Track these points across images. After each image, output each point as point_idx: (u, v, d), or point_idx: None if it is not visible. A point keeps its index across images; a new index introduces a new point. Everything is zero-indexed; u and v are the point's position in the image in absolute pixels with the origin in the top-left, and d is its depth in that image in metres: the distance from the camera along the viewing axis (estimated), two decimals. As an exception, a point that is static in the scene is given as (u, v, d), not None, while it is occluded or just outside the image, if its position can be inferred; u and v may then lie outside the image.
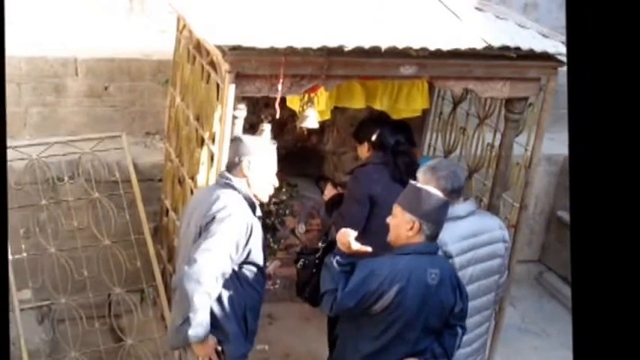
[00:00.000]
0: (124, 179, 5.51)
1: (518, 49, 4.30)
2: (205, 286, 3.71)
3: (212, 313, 3.84)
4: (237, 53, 3.93)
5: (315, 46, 3.89)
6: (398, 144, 4.73)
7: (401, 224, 3.77)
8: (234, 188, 3.89)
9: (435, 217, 3.73)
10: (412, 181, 3.89)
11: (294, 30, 3.97)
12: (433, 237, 3.77)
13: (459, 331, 3.92)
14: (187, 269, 3.71)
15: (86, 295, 5.22)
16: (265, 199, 4.11)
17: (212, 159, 4.37)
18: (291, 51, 3.88)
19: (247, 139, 3.96)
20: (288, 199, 5.95)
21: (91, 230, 5.33)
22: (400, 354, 3.78)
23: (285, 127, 5.79)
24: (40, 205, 5.34)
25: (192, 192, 4.67)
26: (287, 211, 5.96)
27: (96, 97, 5.91)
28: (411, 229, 3.73)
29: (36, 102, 5.79)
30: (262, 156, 3.96)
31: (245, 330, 4.00)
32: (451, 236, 4.03)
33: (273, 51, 3.85)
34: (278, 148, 5.96)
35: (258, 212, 4.00)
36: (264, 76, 4.05)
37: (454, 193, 4.09)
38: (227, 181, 3.92)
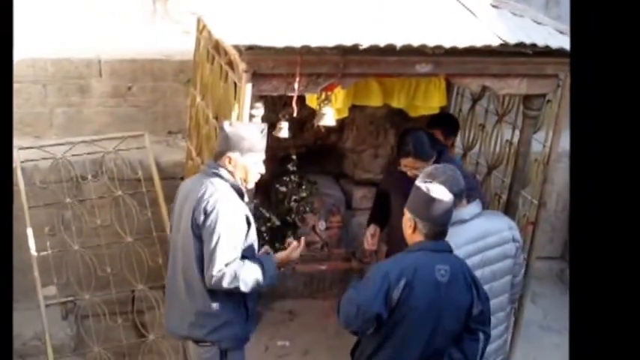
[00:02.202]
0: (146, 177, 5.58)
1: (534, 45, 4.27)
2: (226, 269, 3.81)
3: (210, 302, 3.95)
4: (253, 53, 3.95)
5: (330, 44, 3.89)
6: (442, 153, 4.68)
7: (405, 223, 3.78)
8: (222, 177, 3.96)
9: (426, 215, 3.65)
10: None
11: (310, 29, 3.98)
12: (432, 235, 3.69)
13: (481, 336, 3.78)
14: (209, 271, 3.81)
15: (109, 292, 5.30)
16: (252, 186, 4.14)
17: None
18: (306, 50, 3.89)
19: (232, 133, 3.94)
20: (308, 197, 5.97)
21: (114, 228, 5.40)
22: (412, 354, 3.69)
23: (304, 125, 5.81)
24: (65, 204, 5.43)
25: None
26: (307, 208, 5.98)
27: (119, 97, 5.98)
28: (410, 227, 3.73)
29: (61, 102, 5.87)
30: (252, 146, 3.98)
31: (246, 314, 4.09)
32: (456, 241, 3.91)
33: (289, 50, 3.87)
34: (298, 146, 6.10)
35: (246, 199, 4.07)
36: (281, 75, 4.07)
37: (455, 197, 3.94)
38: (214, 170, 3.96)
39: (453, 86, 5.59)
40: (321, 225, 6.09)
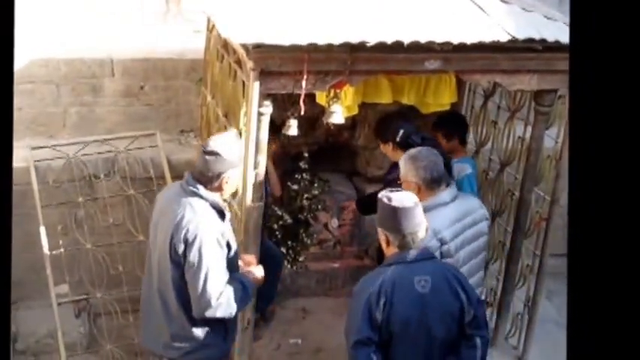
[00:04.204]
0: (158, 176, 5.61)
1: (544, 41, 4.25)
2: (221, 299, 3.73)
3: (189, 326, 3.84)
4: (260, 51, 3.95)
5: (337, 42, 3.90)
6: (424, 141, 4.71)
7: (380, 238, 3.71)
8: (202, 197, 3.79)
9: (393, 226, 3.56)
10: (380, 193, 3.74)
11: (317, 26, 3.99)
12: (405, 246, 3.57)
13: (479, 341, 3.64)
14: (202, 304, 3.70)
15: (121, 290, 5.33)
16: (227, 196, 4.05)
17: (239, 155, 4.42)
18: (313, 48, 3.90)
19: (226, 153, 3.78)
20: (320, 194, 5.98)
21: (126, 226, 5.43)
22: None
23: (316, 122, 5.82)
24: (78, 202, 5.47)
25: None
26: (319, 206, 5.99)
27: (132, 97, 6.02)
28: (384, 241, 3.65)
29: (74, 102, 5.92)
30: (239, 167, 3.92)
31: (224, 333, 3.98)
32: (443, 222, 4.01)
33: (296, 48, 3.87)
34: (310, 144, 6.11)
35: (228, 216, 3.91)
36: (289, 73, 4.07)
37: (435, 182, 4.11)
38: (193, 188, 3.79)
39: (464, 83, 5.57)
40: (334, 223, 6.10)
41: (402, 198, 3.62)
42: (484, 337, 3.69)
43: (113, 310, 5.19)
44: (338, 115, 4.40)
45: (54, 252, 5.21)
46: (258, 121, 4.16)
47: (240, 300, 3.82)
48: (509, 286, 5.38)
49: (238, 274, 3.95)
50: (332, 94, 4.40)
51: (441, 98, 5.12)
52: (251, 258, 4.24)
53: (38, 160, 5.40)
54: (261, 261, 4.46)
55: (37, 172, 5.36)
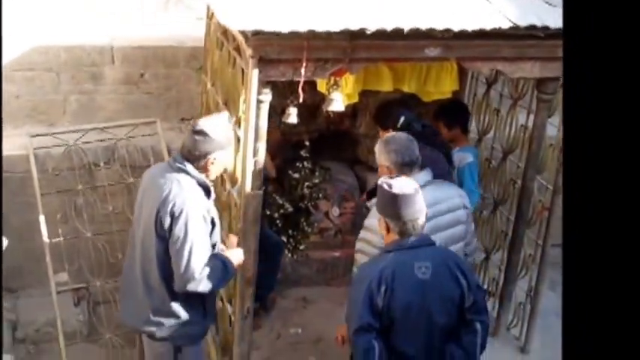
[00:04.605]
0: (158, 164, 5.58)
1: (546, 28, 4.21)
2: (203, 273, 3.79)
3: (170, 302, 3.90)
4: (259, 38, 3.93)
5: (337, 29, 3.86)
6: (425, 129, 4.67)
7: (380, 225, 3.75)
8: (189, 174, 3.86)
9: (393, 213, 3.59)
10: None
11: (317, 14, 3.96)
12: (405, 232, 3.61)
13: (479, 327, 3.67)
14: (184, 277, 3.75)
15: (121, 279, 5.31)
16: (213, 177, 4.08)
17: (238, 142, 4.39)
18: (313, 35, 3.87)
19: (215, 133, 3.85)
20: (321, 183, 5.96)
21: (125, 215, 5.42)
22: (413, 355, 3.63)
23: (316, 110, 5.80)
24: (77, 190, 5.46)
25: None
26: (320, 195, 5.98)
27: (132, 85, 6.00)
28: (384, 228, 3.69)
29: (74, 90, 5.90)
30: (227, 150, 3.96)
31: (203, 311, 4.04)
32: None
33: (295, 35, 3.84)
34: (311, 132, 6.08)
35: (213, 195, 3.99)
36: (288, 61, 4.05)
37: (406, 166, 4.11)
38: (180, 165, 3.86)
39: (467, 71, 5.53)
40: (335, 211, 6.08)
41: (402, 185, 3.65)
42: (484, 322, 3.72)
43: (112, 298, 5.17)
44: (338, 103, 4.39)
45: (53, 240, 5.20)
46: (258, 108, 4.14)
47: (221, 278, 3.90)
48: (512, 276, 5.36)
49: (220, 253, 4.01)
50: (332, 81, 4.38)
51: (442, 86, 5.09)
52: (233, 239, 4.28)
53: (38, 148, 5.39)
54: (261, 249, 4.45)
55: (36, 160, 5.34)
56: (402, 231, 3.62)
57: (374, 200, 4.11)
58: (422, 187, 4.06)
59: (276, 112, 5.02)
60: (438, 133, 4.85)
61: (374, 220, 4.00)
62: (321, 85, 4.78)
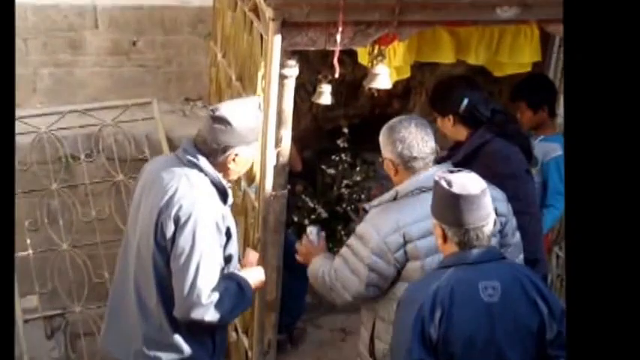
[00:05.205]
0: (155, 157, 5.62)
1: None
2: (212, 298, 3.76)
3: (170, 332, 3.87)
4: (282, -5, 3.98)
5: (382, -17, 3.91)
6: (495, 114, 4.67)
7: (435, 232, 3.69)
8: (202, 169, 3.83)
9: (452, 218, 3.54)
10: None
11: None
12: (467, 243, 3.55)
13: None
14: (188, 302, 3.72)
15: (107, 303, 5.35)
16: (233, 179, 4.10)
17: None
18: (351, -9, 3.92)
19: (239, 123, 3.81)
20: (363, 181, 5.99)
21: (113, 222, 5.47)
22: None
23: (358, 89, 5.82)
24: (51, 190, 5.51)
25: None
26: (362, 196, 6.00)
27: (121, 55, 6.07)
28: (440, 236, 3.64)
29: (47, 62, 5.97)
30: (253, 146, 3.95)
31: (212, 344, 4.02)
32: (412, 213, 3.93)
33: (328, -8, 3.90)
34: (351, 116, 6.10)
35: (230, 200, 3.97)
36: (319, 25, 4.07)
37: (413, 160, 4.04)
38: (193, 159, 3.83)
39: (551, 37, 5.52)
40: (380, 216, 6.10)
41: (464, 182, 3.59)
42: None
43: (96, 329, 5.20)
44: (384, 79, 4.40)
45: (20, 254, 5.26)
46: (281, 85, 4.17)
47: (235, 305, 3.86)
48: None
49: (235, 273, 3.98)
50: (376, 51, 4.39)
51: (519, 57, 5.06)
52: (252, 255, 4.28)
53: None
54: (285, 266, 4.48)
55: (-3, 151, 5.41)
56: (462, 241, 3.58)
57: (376, 200, 4.13)
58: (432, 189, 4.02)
59: (306, 90, 5.07)
60: (512, 120, 4.83)
61: (368, 226, 4.01)
62: (363, 56, 4.80)
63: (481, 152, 4.57)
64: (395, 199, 4.02)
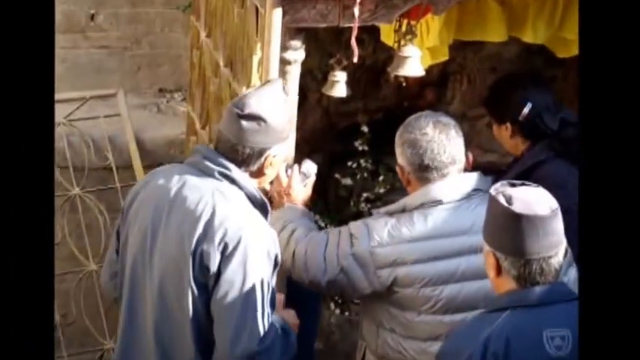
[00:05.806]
0: (121, 165, 5.66)
1: None
2: (267, 342, 3.75)
3: None
4: (284, -43, 4.02)
5: (411, -59, 3.95)
6: (563, 127, 4.67)
7: (486, 260, 3.62)
8: (237, 184, 3.82)
9: (506, 242, 3.47)
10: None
11: None
12: (529, 278, 3.48)
13: None
14: (237, 349, 3.70)
15: (60, 353, 5.41)
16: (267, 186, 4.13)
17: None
18: (373, -48, 3.96)
19: (275, 118, 3.83)
20: (387, 193, 6.01)
21: (68, 248, 5.51)
22: None
23: (381, 77, 5.86)
24: (-11, 208, 5.57)
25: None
26: (385, 212, 6.03)
27: (77, 33, 6.15)
28: (492, 266, 3.56)
29: (-19, 42, 6.03)
30: (287, 142, 4.00)
31: None
32: (413, 230, 3.97)
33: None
34: (372, 111, 6.11)
35: (270, 217, 3.98)
36: (331, -5, 4.12)
37: (425, 169, 4.04)
38: (224, 170, 3.80)
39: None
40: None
41: (530, 198, 3.52)
42: None
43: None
44: (415, 64, 4.43)
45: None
46: (282, 72, 4.20)
47: (284, 351, 3.86)
48: None
49: (273, 316, 3.96)
50: (404, 28, 4.43)
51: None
52: (279, 297, 4.30)
53: None
54: (289, 298, 4.50)
55: None
56: (522, 275, 3.52)
57: (384, 209, 4.17)
58: (449, 202, 4.02)
59: (315, 79, 5.12)
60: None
61: (363, 228, 4.05)
62: (388, 36, 4.83)
63: (533, 175, 4.55)
64: (404, 211, 4.04)
